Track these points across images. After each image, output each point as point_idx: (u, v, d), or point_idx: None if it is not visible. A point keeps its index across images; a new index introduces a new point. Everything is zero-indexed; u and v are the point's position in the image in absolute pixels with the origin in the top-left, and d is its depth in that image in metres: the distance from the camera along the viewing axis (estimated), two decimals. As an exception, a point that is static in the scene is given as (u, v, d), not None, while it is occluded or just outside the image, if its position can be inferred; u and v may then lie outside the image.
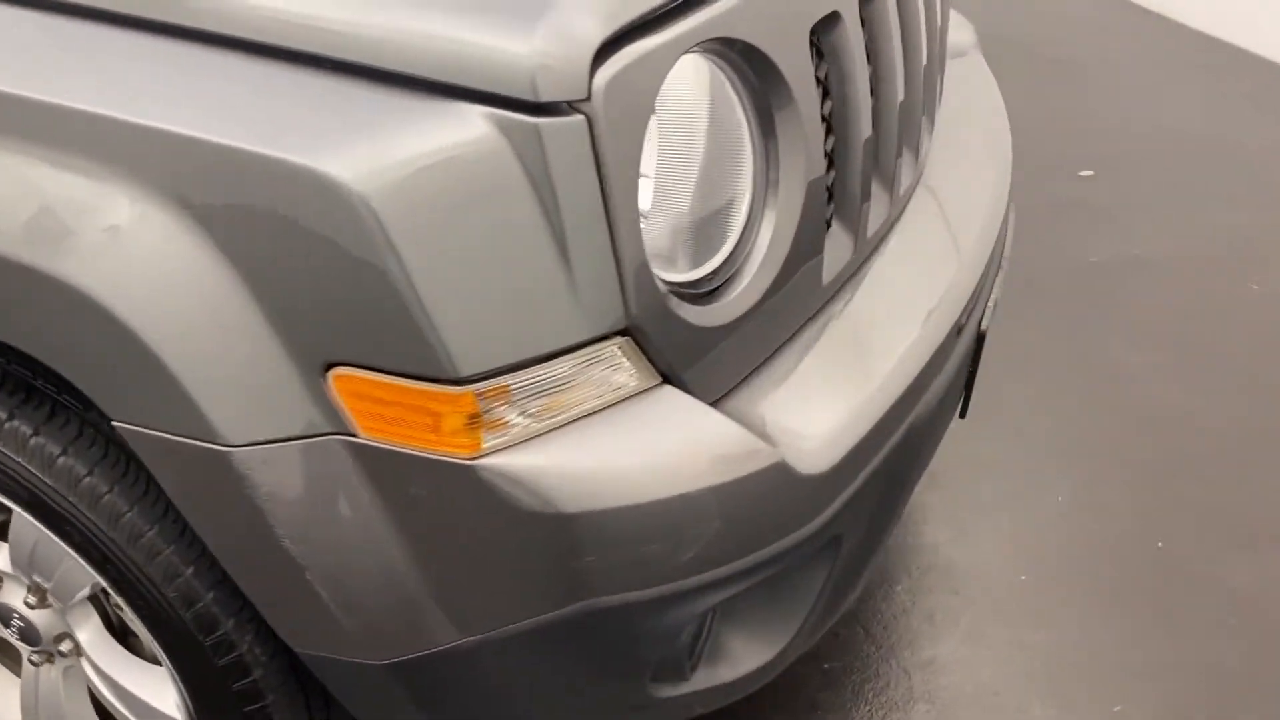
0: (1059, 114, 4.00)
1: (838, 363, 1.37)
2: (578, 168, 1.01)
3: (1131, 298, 2.99)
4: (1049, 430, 2.52)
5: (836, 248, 1.44)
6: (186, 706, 1.40)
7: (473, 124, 0.98)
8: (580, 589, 1.15)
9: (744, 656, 1.38)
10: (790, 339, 1.38)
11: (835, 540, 1.34)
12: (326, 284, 1.00)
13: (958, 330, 1.55)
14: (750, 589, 1.33)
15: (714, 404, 1.25)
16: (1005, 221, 1.78)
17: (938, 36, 1.69)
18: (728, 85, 1.20)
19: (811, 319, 1.42)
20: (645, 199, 1.18)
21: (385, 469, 1.09)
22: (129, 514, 1.25)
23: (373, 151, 0.96)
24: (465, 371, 1.02)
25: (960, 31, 2.33)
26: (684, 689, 1.34)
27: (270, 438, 1.07)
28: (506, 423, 1.08)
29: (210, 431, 1.07)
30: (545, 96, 0.98)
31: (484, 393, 1.05)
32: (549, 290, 1.04)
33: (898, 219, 1.63)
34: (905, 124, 1.62)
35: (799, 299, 1.35)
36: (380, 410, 1.05)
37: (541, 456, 1.09)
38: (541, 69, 0.97)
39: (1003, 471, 2.40)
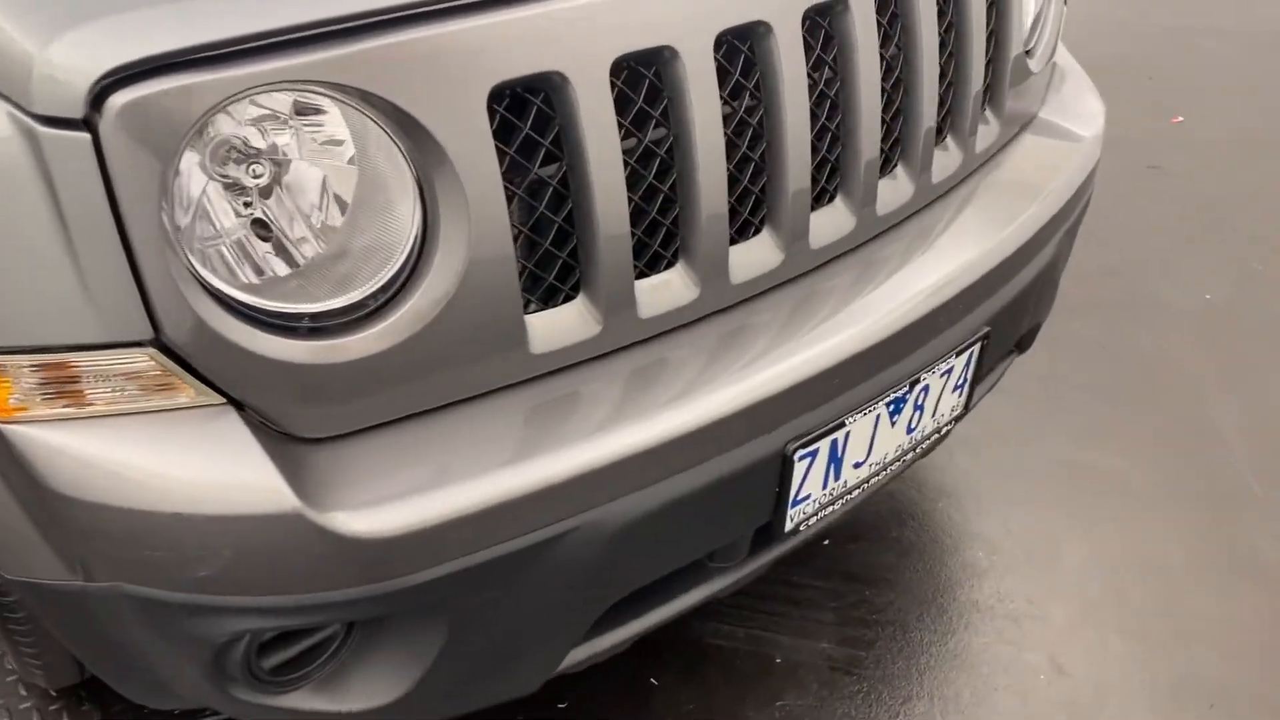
0: None
1: (503, 438, 1.30)
2: (83, 182, 1.05)
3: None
4: (1130, 658, 2.14)
5: (571, 324, 1.35)
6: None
7: (-2, 117, 1.06)
8: (106, 569, 1.22)
9: (354, 696, 1.38)
10: (489, 396, 1.34)
11: (432, 612, 1.29)
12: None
13: (735, 442, 1.40)
14: (373, 633, 1.34)
15: (322, 441, 1.25)
16: (906, 341, 1.54)
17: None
18: (372, 133, 1.17)
19: (532, 382, 1.36)
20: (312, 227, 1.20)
21: (-32, 410, 1.22)
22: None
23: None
24: (-32, 342, 1.12)
25: (1078, 120, 2.01)
26: (274, 701, 1.36)
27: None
28: (53, 398, 1.16)
29: None
30: (38, 109, 1.03)
31: (12, 366, 1.14)
32: (61, 287, 1.10)
33: (734, 305, 1.49)
34: (774, 199, 1.47)
35: (477, 366, 1.29)
36: (-50, 357, 1.18)
37: (60, 437, 1.16)
38: (39, 81, 1.02)
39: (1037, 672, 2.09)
